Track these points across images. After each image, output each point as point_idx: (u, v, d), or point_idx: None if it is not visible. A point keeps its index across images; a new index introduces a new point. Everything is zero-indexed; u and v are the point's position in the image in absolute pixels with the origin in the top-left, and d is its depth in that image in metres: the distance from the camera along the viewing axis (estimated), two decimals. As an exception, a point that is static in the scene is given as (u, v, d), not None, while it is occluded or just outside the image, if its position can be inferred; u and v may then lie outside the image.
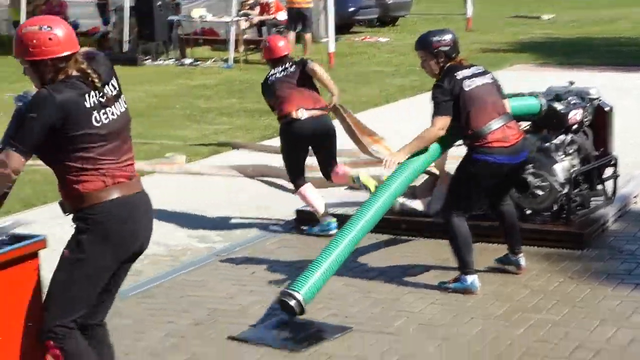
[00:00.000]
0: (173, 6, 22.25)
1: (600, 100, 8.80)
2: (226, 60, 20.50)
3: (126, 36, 21.50)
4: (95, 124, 4.55)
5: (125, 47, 21.39)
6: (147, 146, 12.14)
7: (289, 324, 6.56)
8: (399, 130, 12.14)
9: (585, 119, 8.53)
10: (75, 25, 24.08)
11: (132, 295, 7.07)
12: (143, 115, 14.36)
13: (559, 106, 8.19)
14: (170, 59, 21.26)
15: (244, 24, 21.73)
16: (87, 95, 4.55)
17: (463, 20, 28.14)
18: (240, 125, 13.60)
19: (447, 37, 7.20)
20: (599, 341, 6.07)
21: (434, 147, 7.36)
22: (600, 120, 8.75)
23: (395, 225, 8.41)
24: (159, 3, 20.45)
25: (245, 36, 22.45)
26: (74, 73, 4.61)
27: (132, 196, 4.73)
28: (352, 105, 14.99)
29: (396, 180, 7.25)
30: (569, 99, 8.35)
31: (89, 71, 4.61)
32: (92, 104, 4.56)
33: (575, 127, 8.38)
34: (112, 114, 4.66)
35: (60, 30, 4.61)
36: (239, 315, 6.71)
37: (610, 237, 8.24)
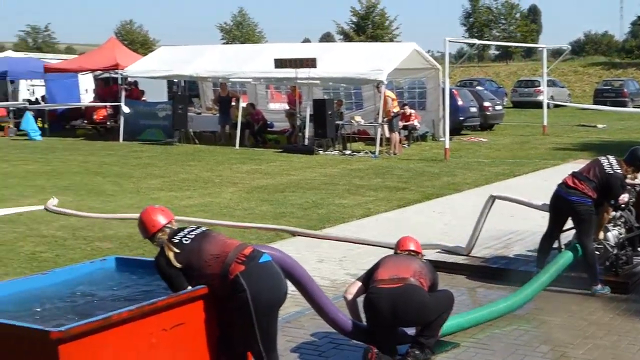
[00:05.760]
0: (339, 114, 22.52)
1: (640, 187, 8.52)
2: (374, 152, 20.58)
3: (307, 134, 21.86)
4: None
5: (306, 142, 21.73)
6: (322, 210, 12.29)
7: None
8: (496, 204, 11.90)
9: (631, 200, 8.26)
10: (271, 126, 24.69)
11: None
12: (317, 189, 14.54)
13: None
14: (336, 150, 21.46)
15: (386, 128, 21.72)
16: None
17: (540, 126, 27.69)
18: (382, 197, 13.58)
19: None
20: (639, 362, 5.82)
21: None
22: (640, 201, 8.47)
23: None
24: (330, 112, 20.75)
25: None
26: None
27: None
28: (460, 186, 14.90)
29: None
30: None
31: None
32: None
33: (623, 205, 8.11)
34: None
35: None
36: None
37: (648, 286, 7.88)
